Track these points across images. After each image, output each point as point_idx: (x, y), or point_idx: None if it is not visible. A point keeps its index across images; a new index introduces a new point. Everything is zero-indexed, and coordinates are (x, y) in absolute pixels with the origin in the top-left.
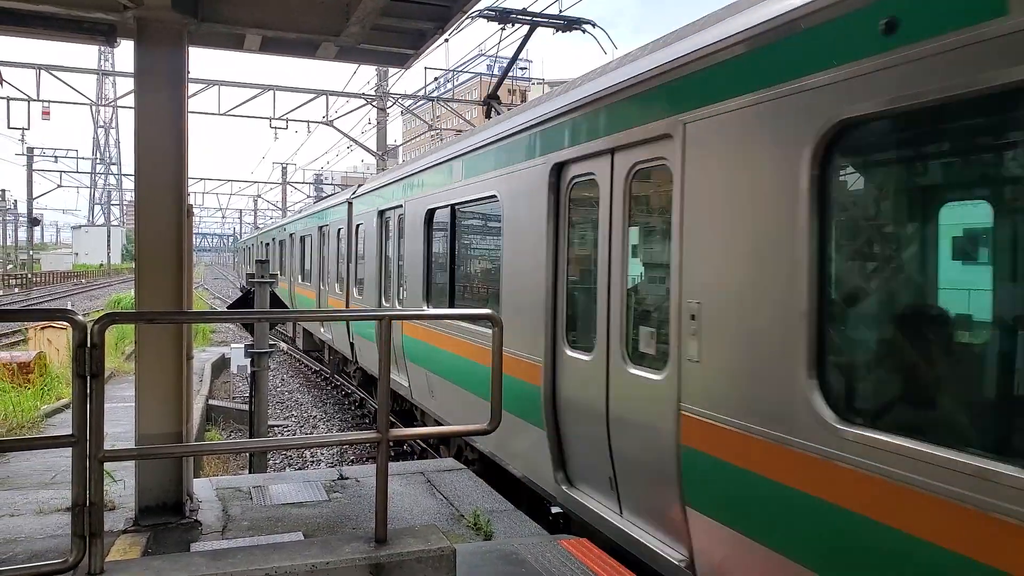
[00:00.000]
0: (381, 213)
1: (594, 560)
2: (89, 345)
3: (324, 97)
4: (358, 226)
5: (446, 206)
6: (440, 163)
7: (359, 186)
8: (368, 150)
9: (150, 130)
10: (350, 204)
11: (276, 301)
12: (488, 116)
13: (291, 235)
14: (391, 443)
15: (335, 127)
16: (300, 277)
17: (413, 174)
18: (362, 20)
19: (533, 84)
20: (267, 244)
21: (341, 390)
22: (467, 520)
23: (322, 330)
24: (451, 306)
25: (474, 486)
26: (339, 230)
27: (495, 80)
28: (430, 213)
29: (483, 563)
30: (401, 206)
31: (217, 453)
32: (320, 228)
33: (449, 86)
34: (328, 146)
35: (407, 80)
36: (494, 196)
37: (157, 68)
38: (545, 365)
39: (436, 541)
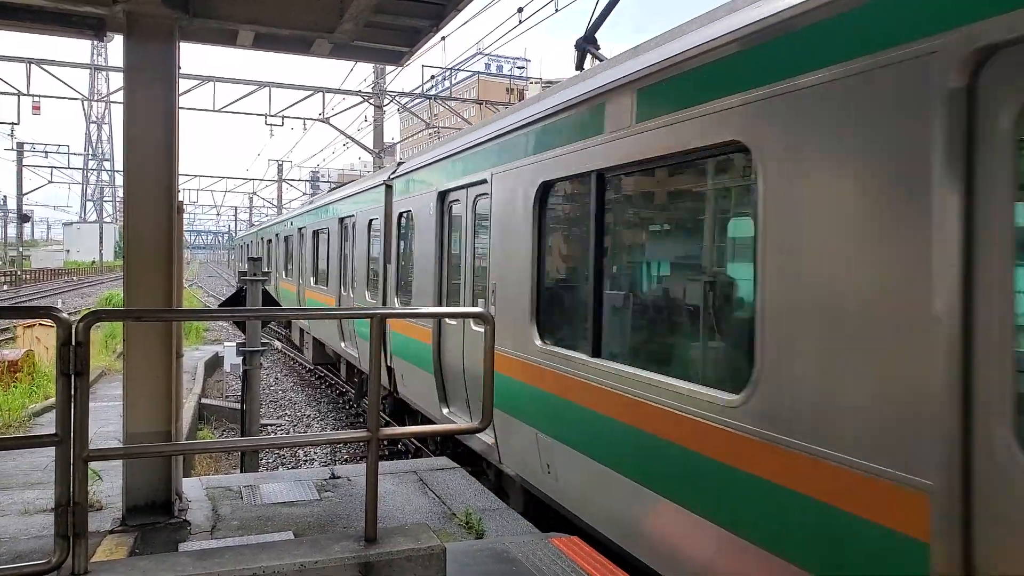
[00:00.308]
0: (443, 195)
1: (585, 558)
2: (74, 343)
3: (320, 94)
4: (401, 215)
5: (583, 175)
6: (572, 106)
7: (399, 164)
8: (365, 148)
9: (140, 126)
10: (388, 187)
11: (269, 299)
12: (580, 66)
13: (300, 230)
14: (384, 442)
15: (331, 124)
16: (313, 279)
17: (511, 131)
18: (355, 17)
19: (531, 83)
20: (269, 241)
21: (336, 389)
22: (459, 519)
23: (343, 345)
24: (599, 343)
25: (467, 485)
26: (371, 221)
27: (594, 19)
28: (545, 189)
29: (474, 562)
30: (484, 182)
31: (204, 452)
32: (341, 220)
33: (447, 84)
34: (324, 143)
35: (404, 77)
36: (733, 144)
37: (147, 63)
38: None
39: (426, 540)
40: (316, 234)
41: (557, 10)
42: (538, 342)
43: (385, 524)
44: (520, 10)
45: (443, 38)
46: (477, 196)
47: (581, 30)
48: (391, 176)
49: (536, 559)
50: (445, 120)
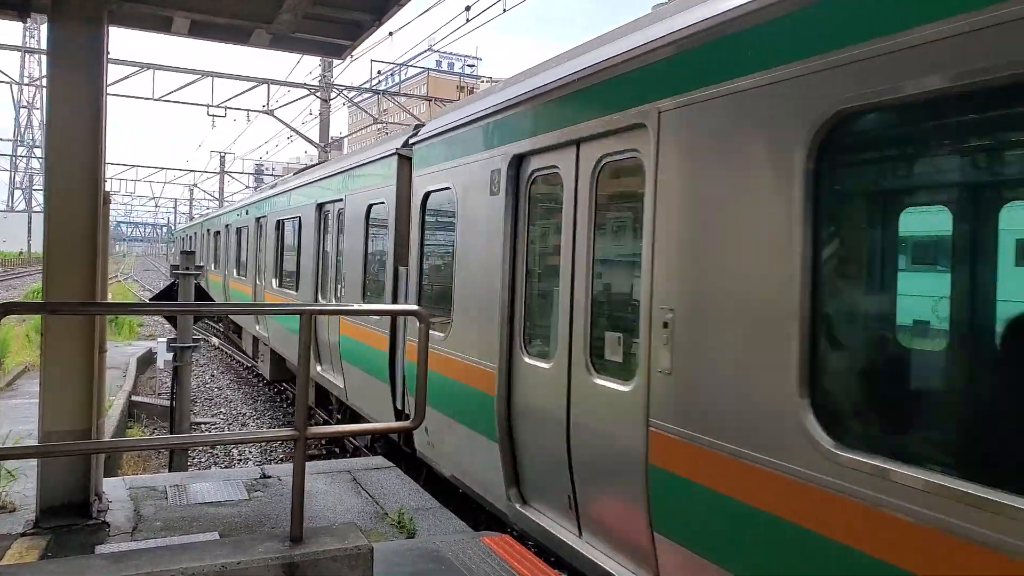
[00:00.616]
0: (520, 161)
1: (515, 556)
2: None
3: (265, 86)
4: (429, 196)
5: (1001, 89)
6: None
7: (417, 128)
8: (311, 141)
9: (64, 112)
10: (401, 158)
11: (201, 293)
12: None
13: (258, 220)
14: (319, 441)
15: (276, 117)
16: (275, 281)
17: (729, 20)
18: (294, 8)
19: (482, 82)
20: (217, 233)
21: (273, 387)
22: (391, 518)
23: (319, 369)
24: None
25: (401, 484)
26: (370, 207)
27: None
28: (836, 126)
29: (403, 561)
30: (636, 127)
31: (120, 451)
32: (320, 207)
33: (396, 79)
34: (269, 136)
35: (353, 71)
36: None
37: (73, 47)
38: None
39: (353, 539)
40: (281, 224)
41: (505, 10)
42: (830, 446)
43: (315, 524)
44: (468, 8)
45: (390, 33)
46: (605, 156)
47: (536, 32)
48: (413, 138)
49: (466, 557)
50: (394, 116)
